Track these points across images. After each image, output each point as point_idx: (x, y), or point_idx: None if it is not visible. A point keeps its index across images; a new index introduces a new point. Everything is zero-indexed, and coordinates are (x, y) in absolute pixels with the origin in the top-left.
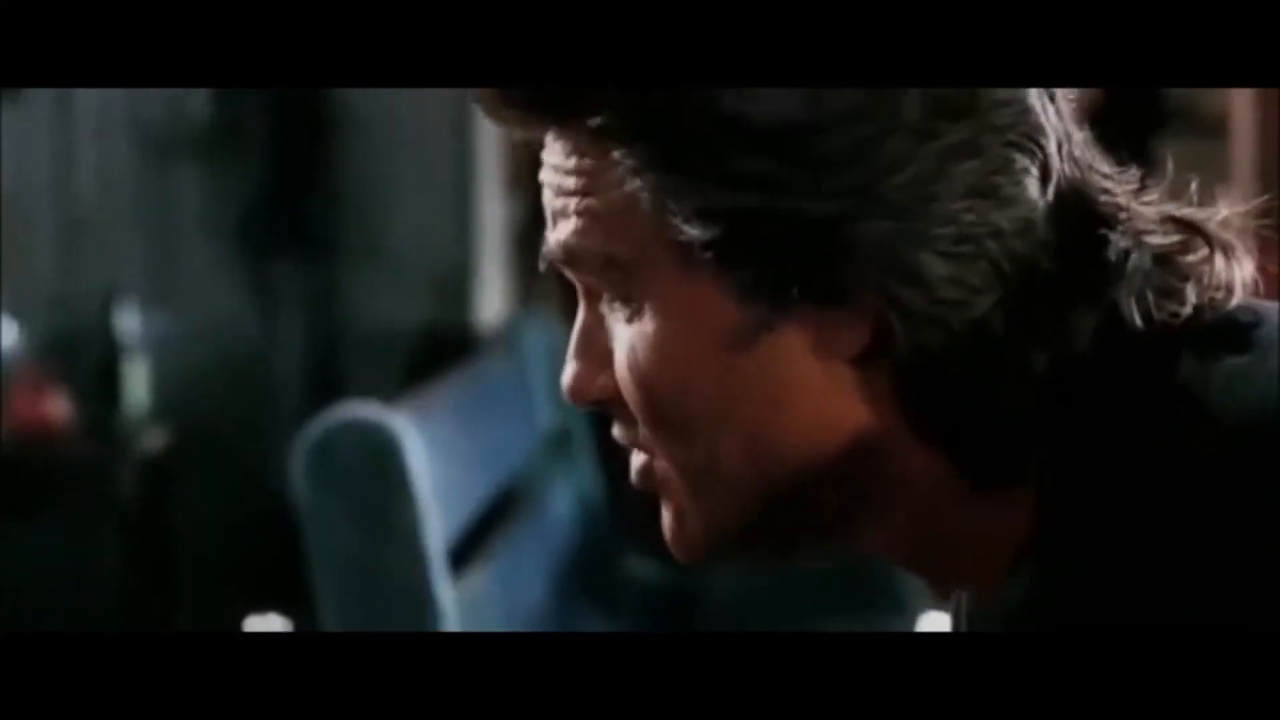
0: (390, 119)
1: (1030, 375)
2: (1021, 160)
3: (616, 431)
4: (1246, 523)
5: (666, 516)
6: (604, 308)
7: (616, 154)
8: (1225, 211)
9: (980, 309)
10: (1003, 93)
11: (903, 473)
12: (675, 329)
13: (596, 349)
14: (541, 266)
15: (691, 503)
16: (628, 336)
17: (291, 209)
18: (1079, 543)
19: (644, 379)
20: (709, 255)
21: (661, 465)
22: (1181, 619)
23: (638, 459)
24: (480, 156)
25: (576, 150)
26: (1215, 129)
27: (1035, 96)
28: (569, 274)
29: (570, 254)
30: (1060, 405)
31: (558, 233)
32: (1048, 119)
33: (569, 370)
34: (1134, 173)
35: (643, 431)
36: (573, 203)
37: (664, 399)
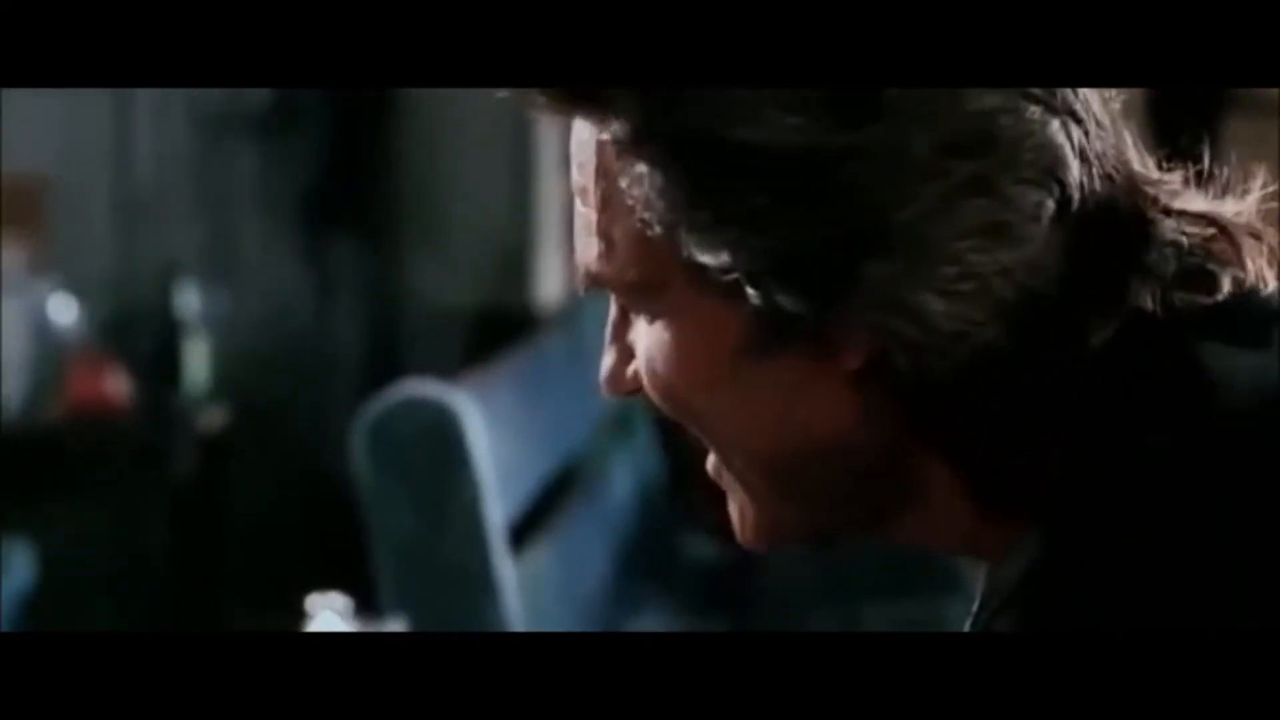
0: (449, 96)
1: (1042, 382)
2: (1036, 196)
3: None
4: (1247, 510)
5: (732, 506)
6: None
7: (624, 182)
8: (1254, 201)
9: (981, 339)
10: (1019, 129)
11: (925, 464)
12: (688, 340)
13: (628, 342)
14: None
15: (743, 498)
16: (648, 339)
17: (350, 187)
18: (1084, 516)
19: (662, 384)
20: (718, 279)
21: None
22: (1180, 605)
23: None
24: (540, 134)
25: (600, 164)
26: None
27: (1057, 128)
28: (595, 291)
29: (595, 278)
30: (1071, 395)
31: (583, 252)
32: (1071, 148)
33: (604, 363)
34: (1176, 175)
35: None
36: (595, 218)
37: (682, 404)
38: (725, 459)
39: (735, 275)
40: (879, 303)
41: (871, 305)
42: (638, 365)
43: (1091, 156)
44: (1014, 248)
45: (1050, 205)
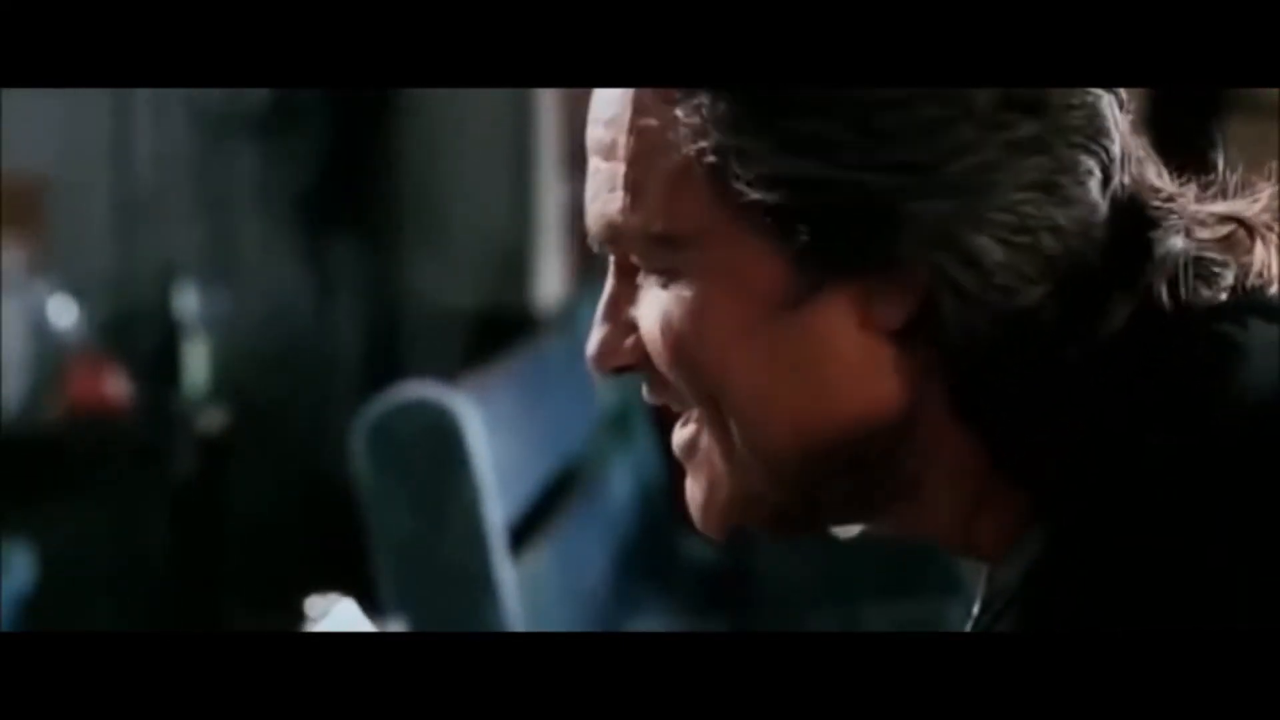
0: (449, 96)
1: (1066, 361)
2: (1086, 162)
3: (648, 394)
4: (1248, 511)
5: (696, 486)
6: (638, 277)
7: (680, 112)
8: (1265, 197)
9: (1030, 298)
10: (1075, 95)
11: (934, 447)
12: (719, 293)
13: (624, 315)
14: (593, 247)
15: (726, 474)
16: (662, 302)
17: (350, 188)
18: (1086, 515)
19: (682, 344)
20: (766, 219)
21: (703, 434)
22: (1181, 605)
23: (682, 429)
24: (540, 137)
25: (638, 109)
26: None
27: (1106, 103)
28: (608, 250)
29: (615, 232)
30: (1086, 384)
31: (602, 207)
32: (1115, 125)
33: (595, 336)
34: (1190, 185)
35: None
36: (623, 171)
37: (701, 364)
38: (728, 434)
39: (782, 213)
40: (938, 242)
41: (930, 244)
42: (642, 335)
43: (1125, 142)
44: (1064, 206)
45: (1096, 172)
